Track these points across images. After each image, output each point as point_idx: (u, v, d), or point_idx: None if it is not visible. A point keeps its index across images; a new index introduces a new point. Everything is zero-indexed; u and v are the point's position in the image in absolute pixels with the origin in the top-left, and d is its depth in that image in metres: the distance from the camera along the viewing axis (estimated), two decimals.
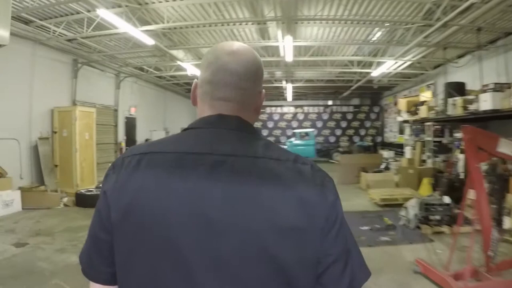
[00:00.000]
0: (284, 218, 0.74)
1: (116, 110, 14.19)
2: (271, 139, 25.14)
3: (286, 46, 10.10)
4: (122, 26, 8.13)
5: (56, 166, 10.00)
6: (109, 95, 13.78)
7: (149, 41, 9.26)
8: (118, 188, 0.81)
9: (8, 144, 8.65)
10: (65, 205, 8.55)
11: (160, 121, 18.92)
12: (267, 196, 0.74)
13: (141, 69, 15.14)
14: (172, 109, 20.92)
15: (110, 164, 0.92)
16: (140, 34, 8.69)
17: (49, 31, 9.20)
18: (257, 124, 26.59)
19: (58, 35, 9.40)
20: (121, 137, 14.64)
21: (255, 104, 0.93)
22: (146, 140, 16.44)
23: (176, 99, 21.59)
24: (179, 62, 12.52)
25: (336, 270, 0.78)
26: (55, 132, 10.08)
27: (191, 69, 13.11)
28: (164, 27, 9.08)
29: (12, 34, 6.19)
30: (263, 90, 0.96)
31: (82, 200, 8.50)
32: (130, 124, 15.57)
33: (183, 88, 20.71)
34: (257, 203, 0.74)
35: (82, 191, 8.97)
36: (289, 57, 11.09)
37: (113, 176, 0.84)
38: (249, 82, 0.89)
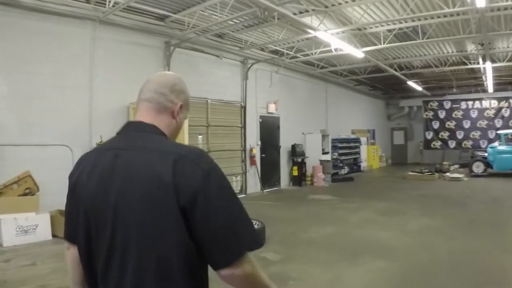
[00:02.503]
0: (154, 184, 1.03)
1: (243, 107, 11.20)
2: (469, 143, 18.85)
3: None
4: None
5: None
6: (231, 88, 10.92)
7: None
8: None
9: (56, 151, 6.83)
10: None
11: (317, 121, 14.89)
12: (142, 173, 1.05)
13: (276, 52, 11.68)
14: (335, 106, 16.46)
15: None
16: None
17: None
18: (450, 125, 19.11)
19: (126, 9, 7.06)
20: (254, 141, 11.54)
21: (172, 109, 1.23)
22: (293, 146, 12.83)
23: (340, 93, 16.97)
24: (311, 32, 8.31)
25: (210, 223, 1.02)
26: None
27: (331, 40, 8.63)
28: None
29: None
30: (182, 103, 1.25)
31: None
32: (269, 125, 12.31)
33: (348, 78, 15.96)
34: (138, 175, 1.06)
35: None
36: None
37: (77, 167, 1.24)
38: (166, 89, 1.22)
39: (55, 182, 5.41)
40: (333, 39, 8.48)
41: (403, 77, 14.57)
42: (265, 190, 11.71)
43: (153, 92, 1.21)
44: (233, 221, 1.04)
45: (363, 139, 18.26)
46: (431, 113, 19.89)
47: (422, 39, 8.94)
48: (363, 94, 19.59)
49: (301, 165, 12.79)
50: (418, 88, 17.14)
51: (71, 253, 1.25)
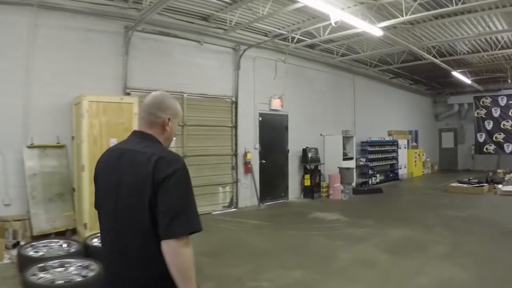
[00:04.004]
0: (140, 174, 1.50)
1: (234, 103, 9.39)
2: None
3: None
4: None
5: (73, 189, 6.30)
6: (218, 80, 9.13)
7: None
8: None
9: None
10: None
11: (342, 120, 12.57)
12: (135, 166, 1.55)
13: (282, 39, 9.71)
14: (366, 102, 13.97)
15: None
16: None
17: None
18: (506, 125, 16.26)
19: None
20: (250, 144, 9.68)
21: (161, 123, 1.68)
22: (304, 150, 10.80)
23: (372, 87, 14.36)
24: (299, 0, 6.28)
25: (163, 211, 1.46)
26: (73, 138, 6.41)
27: (329, 10, 6.51)
28: None
29: None
30: (169, 117, 1.70)
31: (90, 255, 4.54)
32: (273, 125, 10.37)
33: (379, 69, 13.37)
34: (132, 167, 1.56)
35: (93, 240, 5.01)
36: None
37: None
38: (154, 109, 1.68)
39: None
40: (331, 9, 6.36)
41: (444, 65, 11.77)
42: (265, 203, 9.81)
43: (146, 112, 1.70)
44: (181, 206, 1.46)
45: (403, 142, 15.51)
46: (483, 111, 16.45)
47: (457, 5, 6.46)
48: (403, 89, 16.72)
49: (315, 173, 10.67)
50: (467, 80, 14.02)
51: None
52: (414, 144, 16.78)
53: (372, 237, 6.28)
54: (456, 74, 12.85)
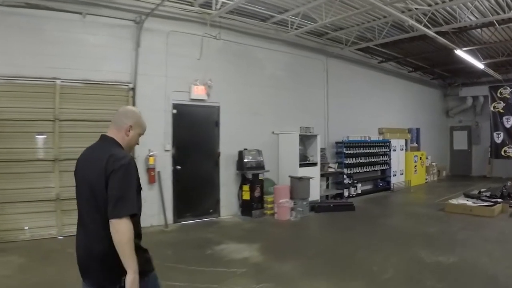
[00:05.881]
0: (97, 169, 1.89)
1: (132, 90, 6.87)
2: None
3: None
4: None
5: None
6: (110, 62, 6.72)
7: None
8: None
9: None
10: None
11: (299, 115, 9.71)
12: (94, 163, 1.93)
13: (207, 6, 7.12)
14: (345, 92, 11.05)
15: None
16: None
17: None
18: None
19: None
20: (158, 144, 7.15)
21: (124, 129, 2.07)
22: (240, 153, 8.13)
23: (353, 73, 11.37)
24: None
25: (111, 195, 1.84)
26: None
27: None
28: None
29: None
30: (131, 124, 2.09)
31: None
32: (195, 119, 7.76)
33: (356, 48, 10.34)
34: (93, 164, 1.94)
35: None
36: None
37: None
38: (123, 116, 2.11)
39: None
40: None
41: (442, 39, 8.76)
42: (182, 222, 7.37)
43: (115, 118, 2.10)
44: (122, 194, 1.82)
45: (399, 143, 12.48)
46: (501, 105, 13.04)
47: None
48: (401, 77, 13.60)
49: (256, 185, 7.97)
50: (478, 64, 10.80)
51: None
52: (415, 145, 13.64)
53: None
54: (461, 54, 9.73)
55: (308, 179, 8.13)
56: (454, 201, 8.62)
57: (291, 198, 7.98)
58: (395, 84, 13.32)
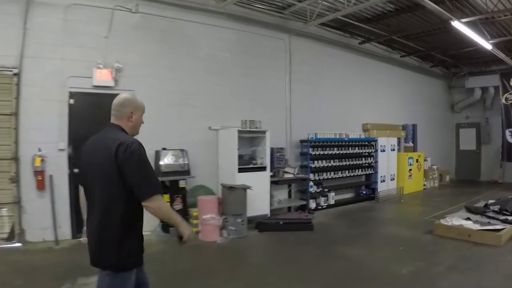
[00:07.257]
0: (106, 154, 2.05)
1: (16, 75, 5.22)
2: None
3: None
4: None
5: None
6: None
7: None
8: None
9: None
10: None
11: (247, 107, 7.73)
12: (104, 148, 2.09)
13: None
14: (317, 79, 9.06)
15: None
16: None
17: None
18: None
19: None
20: (51, 142, 5.54)
21: (126, 117, 2.25)
22: (157, 152, 6.28)
23: (318, 54, 9.23)
24: None
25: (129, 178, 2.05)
26: None
27: None
28: None
29: None
30: (131, 111, 2.26)
31: None
32: (99, 112, 5.92)
33: (318, 22, 8.18)
34: (102, 150, 2.10)
35: None
36: None
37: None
38: (119, 106, 2.25)
39: None
40: None
41: (434, 5, 6.65)
42: (82, 238, 5.47)
43: (113, 110, 2.26)
44: (144, 177, 2.04)
45: (389, 142, 10.39)
46: None
47: None
48: (393, 64, 11.44)
49: (176, 194, 6.14)
50: (484, 43, 8.57)
51: (81, 190, 2.32)
52: (410, 144, 11.46)
53: None
54: (460, 26, 7.54)
55: (244, 188, 6.21)
56: (448, 220, 6.47)
57: (223, 213, 6.11)
58: (386, 72, 11.18)
